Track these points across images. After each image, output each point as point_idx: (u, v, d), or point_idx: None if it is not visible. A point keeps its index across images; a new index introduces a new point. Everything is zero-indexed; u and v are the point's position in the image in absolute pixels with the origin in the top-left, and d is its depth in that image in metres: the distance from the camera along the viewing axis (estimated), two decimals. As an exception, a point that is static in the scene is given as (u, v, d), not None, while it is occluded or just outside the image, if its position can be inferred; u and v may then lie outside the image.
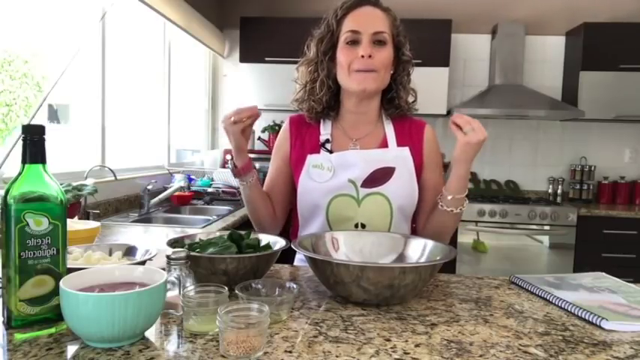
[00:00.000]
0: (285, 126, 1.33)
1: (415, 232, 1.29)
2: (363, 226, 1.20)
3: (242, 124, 1.13)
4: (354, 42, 1.17)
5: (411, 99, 1.28)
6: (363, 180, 1.20)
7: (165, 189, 2.75)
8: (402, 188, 1.21)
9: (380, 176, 1.20)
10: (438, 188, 1.23)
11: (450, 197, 1.14)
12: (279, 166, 1.32)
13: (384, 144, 1.25)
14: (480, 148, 1.10)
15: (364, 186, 1.20)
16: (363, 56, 1.15)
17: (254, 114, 1.13)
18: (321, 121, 1.29)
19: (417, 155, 1.25)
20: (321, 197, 1.21)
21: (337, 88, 1.26)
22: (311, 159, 1.24)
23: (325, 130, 1.27)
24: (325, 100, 1.25)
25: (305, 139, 1.29)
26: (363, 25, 1.17)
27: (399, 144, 1.25)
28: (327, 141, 1.26)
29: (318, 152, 1.25)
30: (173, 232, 1.97)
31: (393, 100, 1.26)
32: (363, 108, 1.25)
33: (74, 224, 1.25)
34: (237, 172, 1.22)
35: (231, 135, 1.15)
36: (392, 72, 1.23)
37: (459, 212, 1.17)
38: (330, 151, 1.24)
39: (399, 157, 1.23)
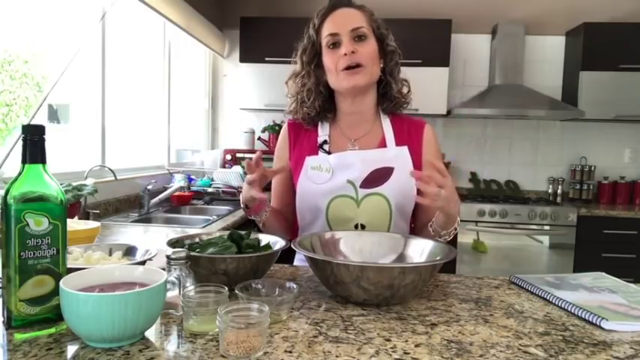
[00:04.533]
0: (284, 131, 1.33)
1: (414, 231, 1.29)
2: (363, 226, 1.20)
3: (261, 182, 1.09)
4: (335, 44, 1.19)
5: (405, 90, 1.28)
6: (362, 180, 1.20)
7: (166, 189, 2.75)
8: (401, 188, 1.20)
9: (379, 176, 1.20)
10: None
11: (439, 231, 1.11)
12: (281, 175, 1.31)
13: (382, 143, 1.25)
14: (454, 188, 1.02)
15: (363, 186, 1.20)
16: (346, 54, 1.16)
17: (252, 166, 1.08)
18: (319, 123, 1.29)
19: (417, 155, 1.24)
20: (320, 199, 1.21)
21: (329, 93, 1.26)
22: (309, 160, 1.24)
23: (323, 132, 1.27)
24: (318, 105, 1.25)
25: (304, 141, 1.29)
26: (340, 26, 1.18)
27: (398, 143, 1.24)
28: (325, 142, 1.26)
29: (317, 154, 1.25)
30: (173, 232, 1.97)
31: (387, 93, 1.27)
32: (358, 107, 1.25)
33: (74, 224, 1.25)
34: (251, 213, 1.19)
35: (251, 194, 1.11)
36: (381, 65, 1.23)
37: (449, 237, 1.14)
38: (329, 152, 1.24)
39: (398, 156, 1.22)
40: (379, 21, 1.24)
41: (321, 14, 1.22)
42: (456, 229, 1.13)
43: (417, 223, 1.29)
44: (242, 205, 1.19)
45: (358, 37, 1.18)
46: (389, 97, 1.26)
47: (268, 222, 1.22)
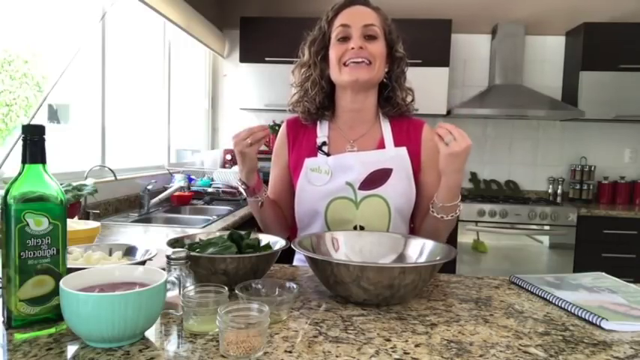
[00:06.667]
0: (282, 130, 1.33)
1: (413, 232, 1.29)
2: (362, 228, 1.20)
3: (257, 144, 1.12)
4: (345, 38, 1.18)
5: (409, 99, 1.27)
6: (361, 182, 1.19)
7: (166, 189, 2.75)
8: (400, 189, 1.20)
9: (377, 178, 1.20)
10: (436, 189, 1.24)
11: (439, 205, 1.12)
12: (280, 174, 1.32)
13: (381, 144, 1.25)
14: (466, 157, 1.04)
15: (362, 188, 1.19)
16: (353, 48, 1.16)
17: (267, 134, 1.12)
18: (318, 122, 1.28)
19: (415, 155, 1.24)
20: (319, 201, 1.21)
21: (331, 89, 1.26)
22: (308, 162, 1.24)
23: (322, 133, 1.27)
24: (319, 101, 1.25)
25: (302, 141, 1.29)
26: (353, 20, 1.18)
27: (397, 144, 1.24)
28: (324, 143, 1.25)
29: (316, 155, 1.25)
30: (173, 232, 1.97)
31: (390, 98, 1.26)
32: (358, 104, 1.24)
33: (74, 224, 1.25)
34: (250, 192, 1.21)
35: (247, 158, 1.14)
36: (387, 69, 1.23)
37: (451, 219, 1.14)
38: (328, 154, 1.24)
39: (396, 157, 1.22)
40: (392, 26, 1.24)
41: (336, 7, 1.22)
42: (457, 212, 1.13)
43: (419, 214, 1.28)
44: (241, 186, 1.20)
45: (369, 36, 1.18)
46: (392, 102, 1.26)
47: (266, 210, 1.24)
